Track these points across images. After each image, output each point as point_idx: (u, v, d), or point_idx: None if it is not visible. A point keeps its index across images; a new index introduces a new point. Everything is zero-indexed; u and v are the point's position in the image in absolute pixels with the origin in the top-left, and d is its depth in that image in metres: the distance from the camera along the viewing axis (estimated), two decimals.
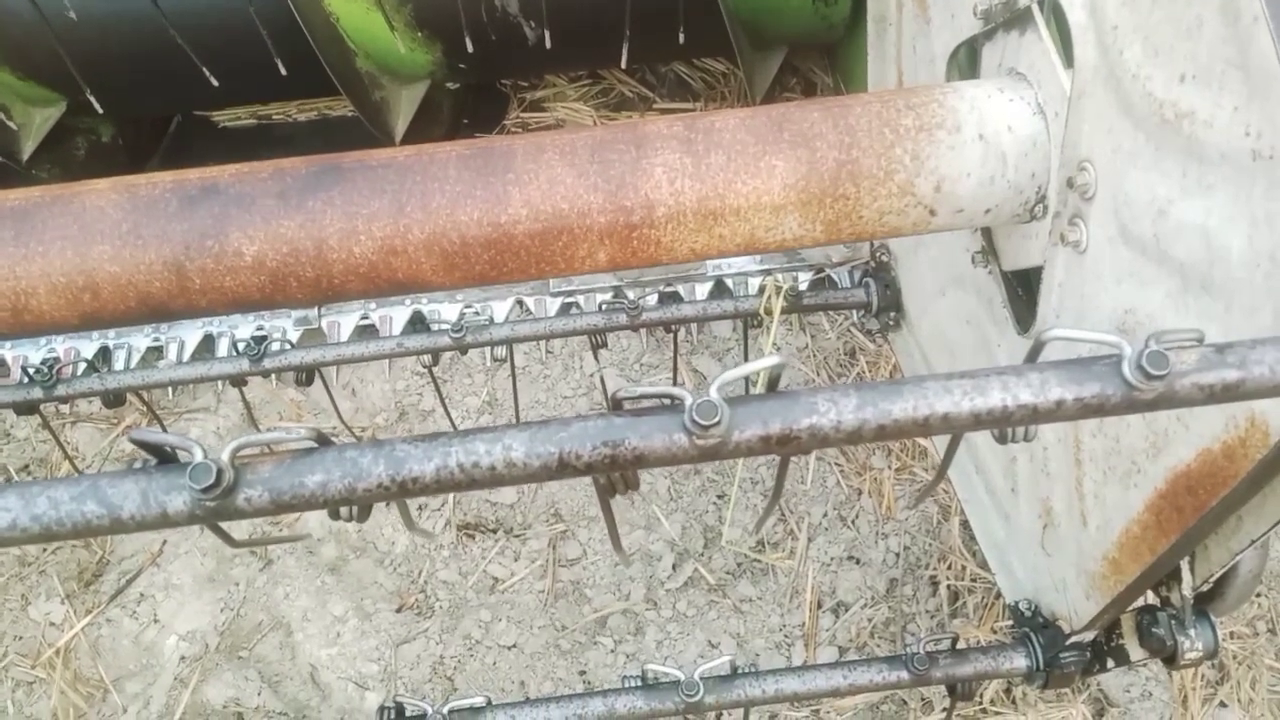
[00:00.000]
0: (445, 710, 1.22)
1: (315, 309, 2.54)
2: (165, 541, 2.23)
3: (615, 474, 0.69)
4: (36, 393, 1.83)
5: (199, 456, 0.61)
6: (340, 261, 1.15)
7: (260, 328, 2.50)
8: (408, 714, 1.27)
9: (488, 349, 2.39)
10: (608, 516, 0.81)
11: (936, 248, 1.65)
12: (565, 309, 2.58)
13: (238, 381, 1.93)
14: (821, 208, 1.16)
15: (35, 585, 2.14)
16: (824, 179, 1.15)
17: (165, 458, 0.67)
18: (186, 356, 2.43)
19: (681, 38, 2.27)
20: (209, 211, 1.13)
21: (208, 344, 2.50)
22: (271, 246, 1.13)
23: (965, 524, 2.03)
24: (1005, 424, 0.61)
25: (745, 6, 2.30)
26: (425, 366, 1.92)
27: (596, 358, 2.32)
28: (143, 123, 2.87)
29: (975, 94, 1.21)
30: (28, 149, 2.41)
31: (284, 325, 2.50)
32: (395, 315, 2.51)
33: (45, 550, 2.17)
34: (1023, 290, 1.38)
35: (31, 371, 1.80)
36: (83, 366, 1.91)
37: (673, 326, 1.94)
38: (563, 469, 0.63)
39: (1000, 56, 1.31)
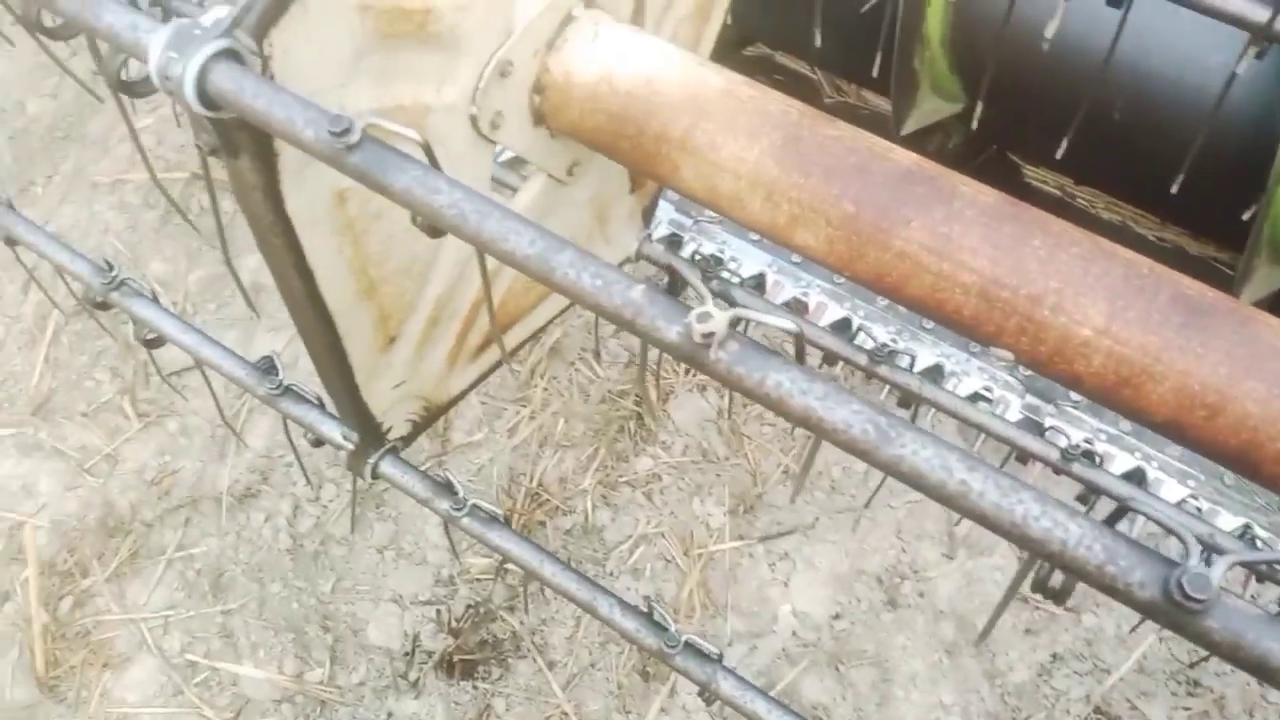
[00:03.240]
0: None
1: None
2: (818, 519, 2.30)
3: None
4: (862, 359, 1.92)
5: None
6: None
7: (988, 387, 2.48)
8: None
9: None
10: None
11: None
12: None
13: (1023, 458, 1.89)
14: None
15: (708, 486, 2.31)
16: None
17: None
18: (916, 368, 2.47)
19: None
20: None
21: (937, 371, 2.52)
22: None
23: None
24: None
25: None
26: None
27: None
28: (975, 141, 2.93)
29: None
30: (909, 127, 2.54)
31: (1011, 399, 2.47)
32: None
33: (728, 459, 2.33)
34: None
35: (876, 348, 1.88)
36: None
37: None
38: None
39: None
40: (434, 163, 0.80)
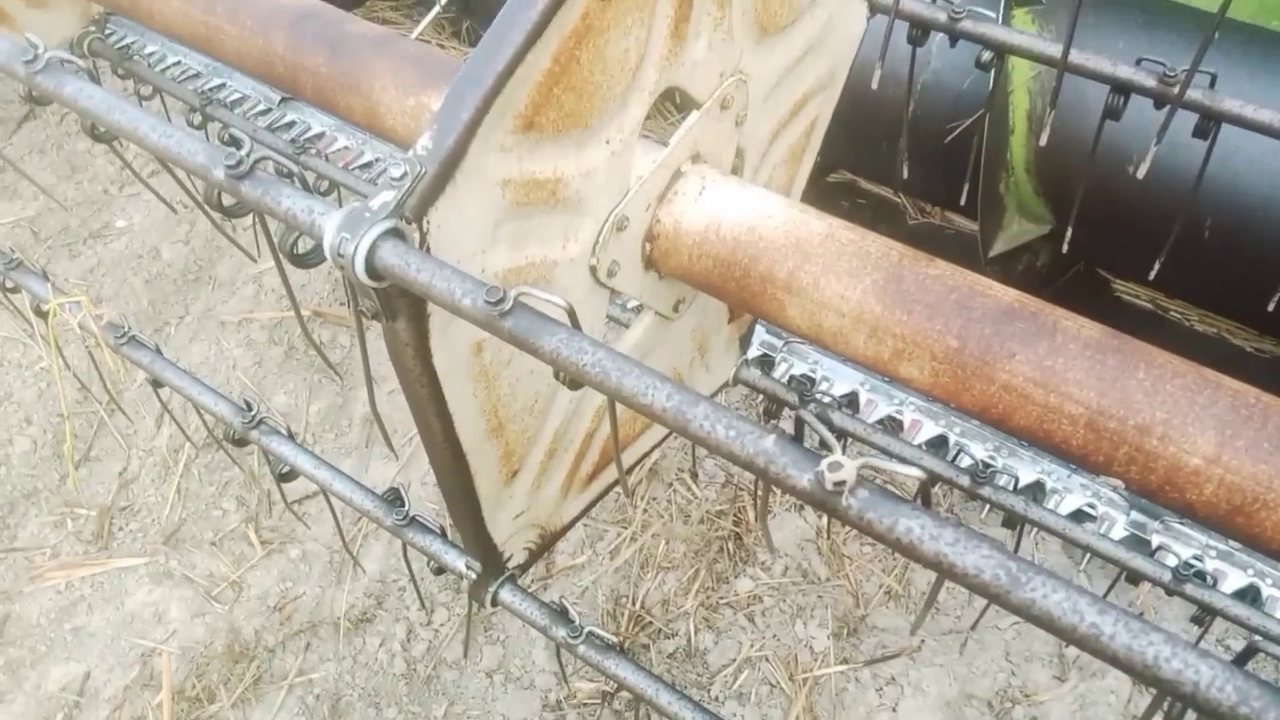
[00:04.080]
0: None
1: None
2: (924, 641, 2.27)
3: None
4: (965, 480, 1.93)
5: None
6: None
7: (1091, 504, 2.45)
8: None
9: None
10: None
11: None
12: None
13: (1133, 578, 1.87)
14: None
15: (810, 608, 2.31)
16: None
17: None
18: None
19: None
20: None
21: (1038, 488, 2.50)
22: None
23: None
24: None
25: None
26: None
27: None
28: (1063, 258, 2.95)
29: None
30: (997, 249, 2.59)
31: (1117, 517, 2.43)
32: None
33: (829, 579, 2.33)
34: None
35: (976, 469, 1.89)
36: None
37: None
38: None
39: None
40: (576, 324, 0.88)
